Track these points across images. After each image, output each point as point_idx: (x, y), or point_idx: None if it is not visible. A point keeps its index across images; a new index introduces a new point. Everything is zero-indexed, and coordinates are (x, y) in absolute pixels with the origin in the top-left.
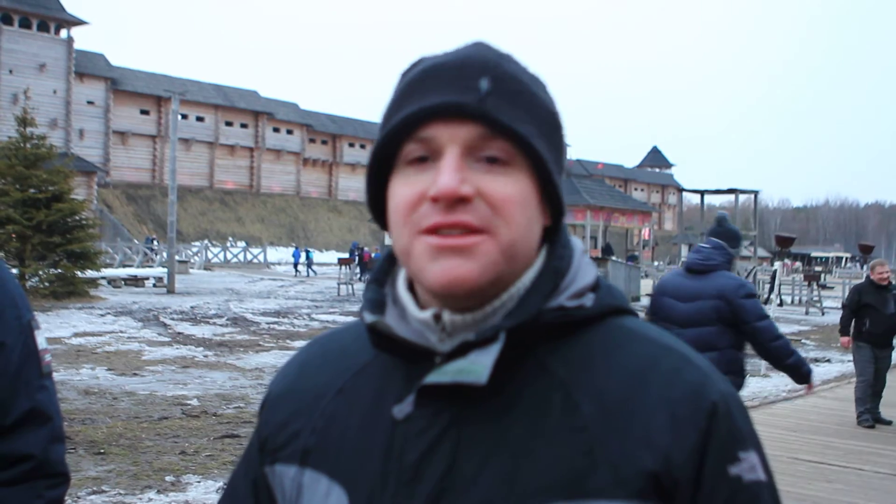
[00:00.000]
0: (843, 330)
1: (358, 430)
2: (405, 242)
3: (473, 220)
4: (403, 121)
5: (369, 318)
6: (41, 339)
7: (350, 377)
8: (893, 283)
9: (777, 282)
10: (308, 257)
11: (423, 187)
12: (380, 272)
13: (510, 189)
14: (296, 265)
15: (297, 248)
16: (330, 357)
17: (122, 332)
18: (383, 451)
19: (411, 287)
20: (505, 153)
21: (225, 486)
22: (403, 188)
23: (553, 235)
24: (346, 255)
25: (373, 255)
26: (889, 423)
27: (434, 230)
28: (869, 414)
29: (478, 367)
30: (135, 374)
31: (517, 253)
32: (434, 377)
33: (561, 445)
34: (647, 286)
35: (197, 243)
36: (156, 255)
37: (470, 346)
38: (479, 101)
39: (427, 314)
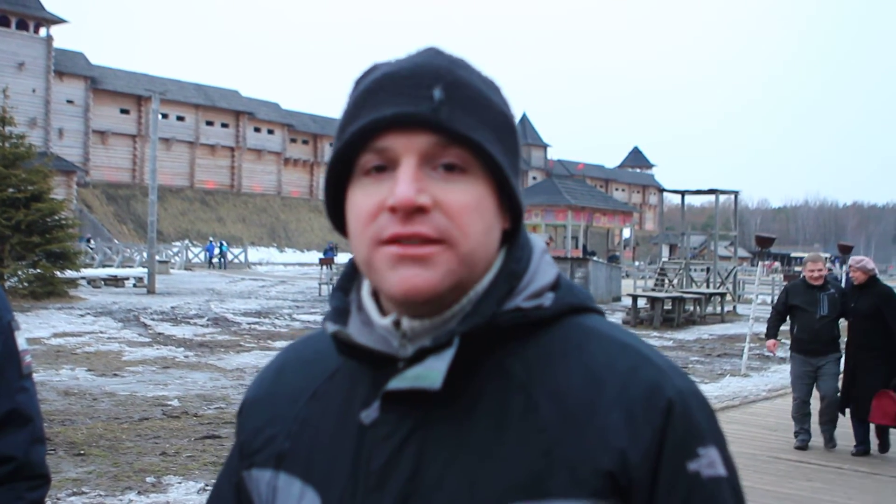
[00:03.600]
0: (768, 332)
1: (329, 434)
2: (366, 253)
3: (431, 231)
4: (359, 132)
5: (331, 327)
6: (21, 340)
7: (322, 382)
8: (831, 282)
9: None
10: (222, 250)
11: (382, 197)
12: (344, 279)
13: (467, 198)
14: (210, 258)
15: (211, 241)
16: (305, 362)
17: (102, 332)
18: (353, 456)
19: (375, 293)
20: (461, 160)
21: (211, 489)
22: (362, 198)
23: (511, 237)
24: (325, 256)
25: None
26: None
27: (393, 240)
28: (806, 436)
29: (433, 372)
30: (115, 375)
31: (475, 260)
32: (394, 383)
33: (521, 447)
34: (627, 286)
35: (177, 243)
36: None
37: (427, 351)
38: (432, 110)
39: (387, 321)
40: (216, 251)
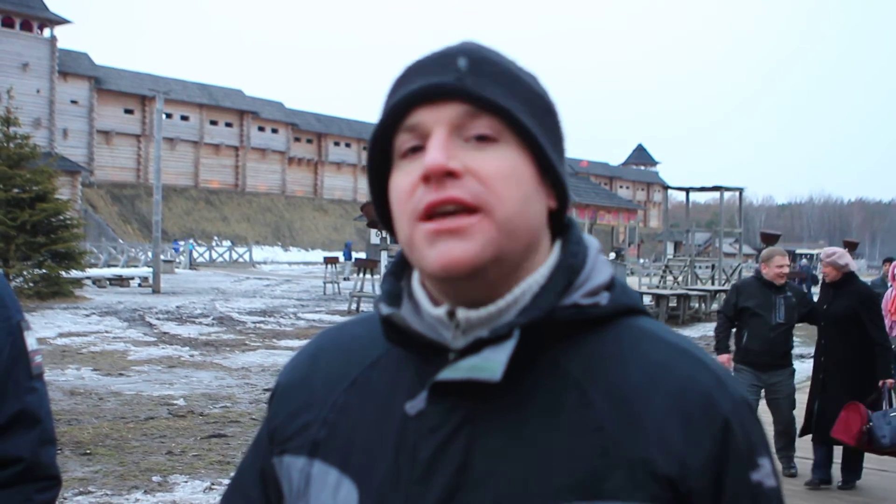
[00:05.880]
0: (719, 345)
1: (370, 424)
2: (407, 233)
3: (465, 196)
4: (390, 112)
5: (385, 310)
6: (31, 341)
7: (363, 370)
8: (790, 284)
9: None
10: (188, 249)
11: (418, 174)
12: (396, 265)
13: (499, 163)
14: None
15: (176, 240)
16: (342, 348)
17: (107, 332)
18: (395, 447)
19: (424, 282)
20: (492, 130)
21: (233, 475)
22: (400, 178)
23: (564, 230)
24: (332, 255)
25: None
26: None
27: (429, 211)
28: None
29: (492, 363)
30: (121, 375)
31: (516, 228)
32: (447, 373)
33: (576, 445)
34: (632, 284)
35: (182, 242)
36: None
37: (483, 342)
38: (457, 79)
39: (441, 311)
40: (181, 250)
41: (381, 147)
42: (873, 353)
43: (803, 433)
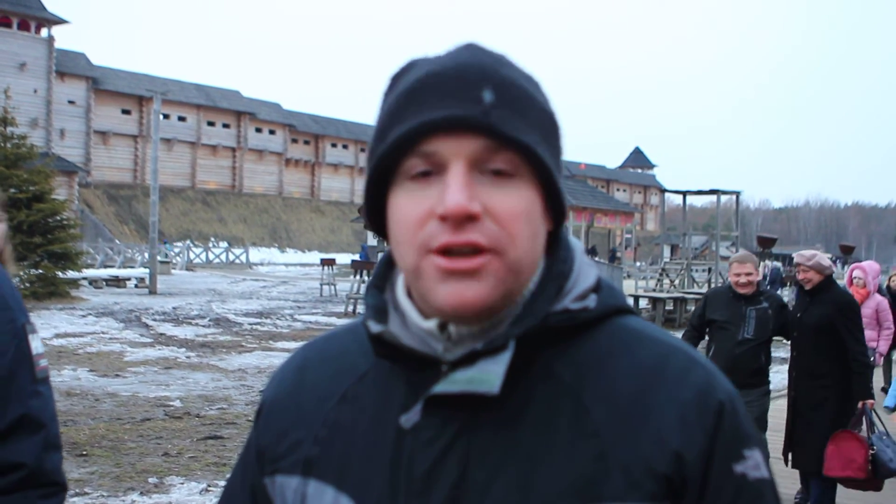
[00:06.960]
0: None
1: (364, 439)
2: (413, 261)
3: (482, 240)
4: (406, 135)
5: (375, 327)
6: (36, 344)
7: (352, 384)
8: (766, 292)
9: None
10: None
11: (430, 204)
12: (379, 277)
13: (518, 204)
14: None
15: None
16: (329, 362)
17: (103, 332)
18: (391, 462)
19: (409, 293)
20: (511, 165)
21: (221, 494)
22: (408, 205)
23: (554, 238)
24: (329, 256)
25: None
26: None
27: (444, 250)
28: None
29: (489, 376)
30: (117, 376)
31: (522, 267)
32: (443, 386)
33: (573, 451)
34: (629, 287)
35: (179, 244)
36: None
37: (478, 354)
38: (483, 113)
39: (432, 323)
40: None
41: (386, 162)
42: (850, 368)
43: (784, 458)
